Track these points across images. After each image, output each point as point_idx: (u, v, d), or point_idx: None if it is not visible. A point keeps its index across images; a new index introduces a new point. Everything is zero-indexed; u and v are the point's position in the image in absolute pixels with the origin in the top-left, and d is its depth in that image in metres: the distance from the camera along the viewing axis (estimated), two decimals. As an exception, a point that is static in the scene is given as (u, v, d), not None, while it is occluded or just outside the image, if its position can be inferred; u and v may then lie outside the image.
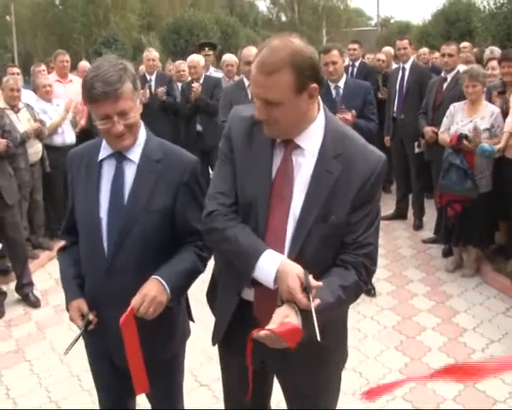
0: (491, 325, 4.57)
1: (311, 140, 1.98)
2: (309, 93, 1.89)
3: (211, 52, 8.96)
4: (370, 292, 5.15)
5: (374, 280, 5.32)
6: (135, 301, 2.16)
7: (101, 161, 2.32)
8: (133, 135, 2.26)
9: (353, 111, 4.73)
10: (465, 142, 5.10)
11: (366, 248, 1.98)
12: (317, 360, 2.14)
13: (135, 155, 2.30)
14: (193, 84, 7.28)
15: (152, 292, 2.16)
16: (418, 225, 7.00)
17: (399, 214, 7.37)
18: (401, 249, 6.39)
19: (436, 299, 5.08)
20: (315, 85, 1.89)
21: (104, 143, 2.32)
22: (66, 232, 2.54)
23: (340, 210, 1.94)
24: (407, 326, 4.61)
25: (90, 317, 2.35)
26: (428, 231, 6.64)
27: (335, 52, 4.86)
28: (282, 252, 1.96)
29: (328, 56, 4.86)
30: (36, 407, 3.78)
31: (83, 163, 2.38)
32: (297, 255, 1.95)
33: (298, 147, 1.99)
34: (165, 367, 2.50)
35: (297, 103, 1.88)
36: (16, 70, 7.63)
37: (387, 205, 7.75)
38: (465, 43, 9.33)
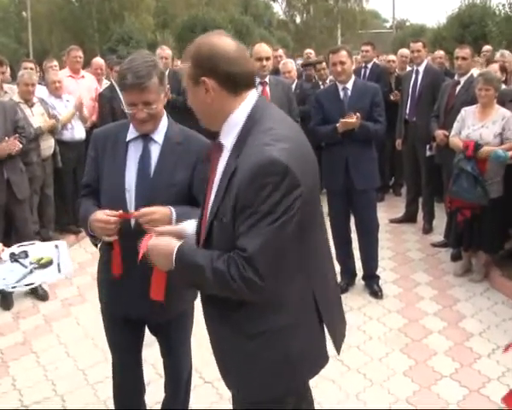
0: (497, 331, 4.55)
1: (228, 136, 2.00)
2: (204, 87, 1.95)
3: None
4: (377, 294, 5.15)
5: (381, 282, 5.32)
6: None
7: (129, 141, 2.68)
8: (154, 122, 2.62)
9: (358, 114, 4.74)
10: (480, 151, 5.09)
11: (241, 252, 1.85)
12: None
13: (159, 137, 2.68)
14: None
15: (158, 215, 2.50)
16: (427, 229, 6.98)
17: (409, 217, 7.35)
18: (410, 252, 6.37)
19: (443, 303, 5.06)
20: (204, 79, 1.94)
21: (131, 126, 2.67)
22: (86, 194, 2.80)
23: (228, 211, 1.91)
24: (413, 329, 4.59)
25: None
26: (438, 235, 6.61)
27: (344, 52, 4.87)
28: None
29: (336, 56, 4.87)
30: (40, 398, 3.81)
31: (109, 142, 2.71)
32: (204, 246, 2.05)
33: (221, 144, 2.04)
34: (179, 320, 2.89)
35: (195, 93, 2.00)
36: (30, 65, 7.65)
37: (397, 208, 7.75)
38: (487, 47, 9.27)
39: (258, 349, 2.02)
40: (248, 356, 2.04)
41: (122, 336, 2.91)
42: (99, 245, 2.79)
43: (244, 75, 1.97)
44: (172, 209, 2.53)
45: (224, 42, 1.96)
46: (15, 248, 2.84)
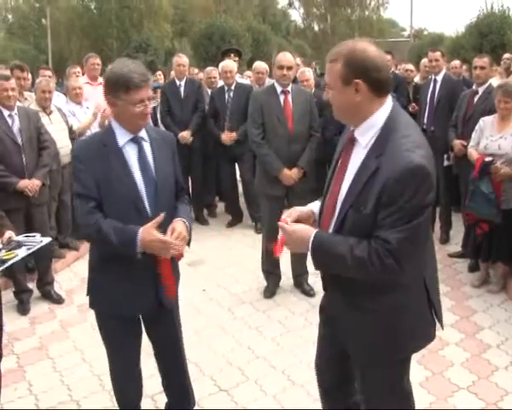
0: (515, 343, 4.49)
1: (366, 134, 2.24)
2: (355, 87, 2.16)
3: (236, 58, 8.94)
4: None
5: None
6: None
7: (122, 146, 2.78)
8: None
9: None
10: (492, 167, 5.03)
11: (385, 244, 2.11)
12: None
13: (144, 134, 2.87)
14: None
15: (184, 232, 2.81)
16: (445, 239, 6.91)
17: (426, 227, 7.28)
18: (426, 263, 6.31)
19: (460, 314, 5.01)
20: (358, 81, 2.15)
21: (119, 132, 2.77)
22: (92, 213, 2.76)
23: (369, 203, 2.14)
24: (430, 340, 4.54)
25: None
26: (455, 245, 6.55)
27: None
28: (327, 226, 2.36)
29: None
30: (56, 403, 3.83)
31: (99, 153, 2.74)
32: (337, 230, 2.29)
33: (356, 139, 2.28)
34: (171, 312, 3.12)
35: (343, 92, 2.19)
36: (48, 72, 7.73)
37: (414, 217, 7.68)
38: (507, 55, 9.17)
39: (373, 322, 2.33)
40: (365, 327, 2.35)
41: (125, 337, 3.06)
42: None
43: (388, 82, 2.22)
44: (184, 220, 2.86)
45: (373, 49, 2.18)
46: (16, 238, 3.15)
